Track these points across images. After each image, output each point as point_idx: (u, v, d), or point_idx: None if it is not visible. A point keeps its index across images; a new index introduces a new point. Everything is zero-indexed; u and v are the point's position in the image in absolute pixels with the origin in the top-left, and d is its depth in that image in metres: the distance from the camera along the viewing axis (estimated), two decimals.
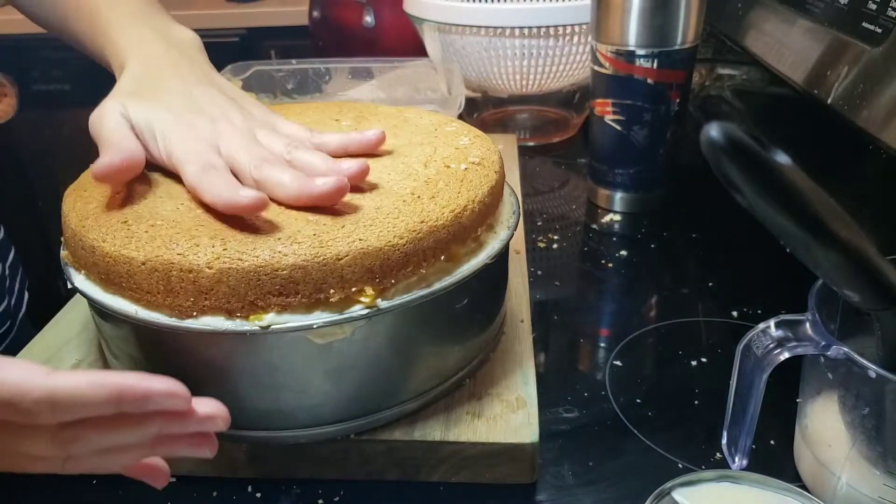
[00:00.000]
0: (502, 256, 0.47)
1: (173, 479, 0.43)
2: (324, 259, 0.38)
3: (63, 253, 0.44)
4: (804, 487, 0.34)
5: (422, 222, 0.40)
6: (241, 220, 0.40)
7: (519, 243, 0.64)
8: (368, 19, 1.12)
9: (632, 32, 0.68)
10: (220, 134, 0.44)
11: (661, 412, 0.49)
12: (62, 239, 0.45)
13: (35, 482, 0.44)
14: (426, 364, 0.44)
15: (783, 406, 0.49)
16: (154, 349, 0.42)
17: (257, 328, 0.38)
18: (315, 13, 1.18)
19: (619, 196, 0.77)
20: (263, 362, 0.40)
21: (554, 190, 0.85)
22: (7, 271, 0.73)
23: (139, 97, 0.46)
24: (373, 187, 0.43)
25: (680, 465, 0.44)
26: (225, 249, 0.38)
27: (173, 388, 0.30)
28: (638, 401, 0.50)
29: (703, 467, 0.44)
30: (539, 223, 0.75)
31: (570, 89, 0.94)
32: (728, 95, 1.00)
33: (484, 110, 1.00)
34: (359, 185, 0.43)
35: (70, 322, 0.54)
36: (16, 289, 0.75)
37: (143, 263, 0.38)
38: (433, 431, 0.43)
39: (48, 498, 0.43)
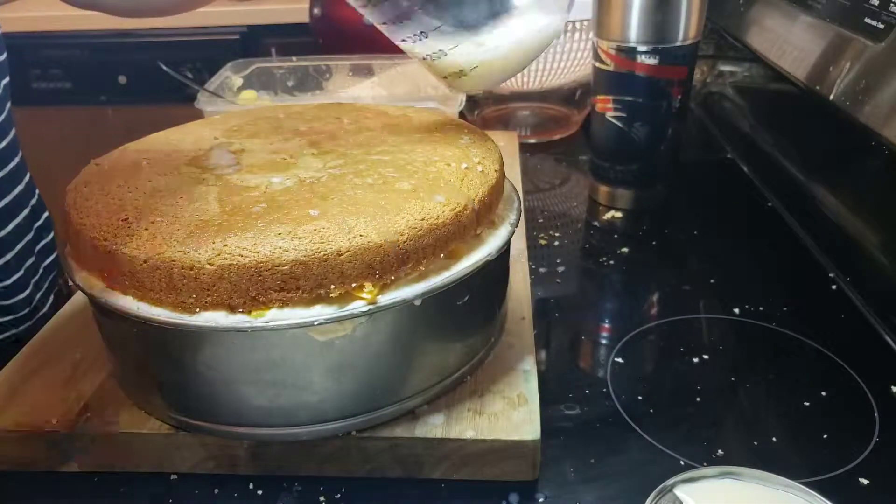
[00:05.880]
0: (503, 253, 0.47)
1: (174, 477, 0.44)
2: (324, 254, 0.38)
3: (66, 249, 0.44)
4: (806, 485, 0.34)
5: (422, 219, 0.40)
6: (241, 215, 0.40)
7: (520, 240, 0.64)
8: None
9: (633, 29, 0.68)
10: None
11: (663, 409, 0.49)
12: (68, 235, 0.45)
13: (37, 481, 0.44)
14: (427, 361, 0.44)
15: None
16: (156, 346, 0.42)
17: (259, 324, 0.38)
18: (316, 10, 1.18)
19: (620, 193, 0.77)
20: (265, 360, 0.40)
21: (555, 187, 0.85)
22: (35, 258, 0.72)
23: None
24: (373, 184, 0.43)
25: (682, 462, 0.44)
26: (225, 245, 0.38)
27: None
28: (639, 398, 0.50)
29: (705, 464, 0.44)
30: (540, 220, 0.75)
31: (571, 86, 0.94)
32: (730, 92, 1.00)
33: (485, 107, 1.00)
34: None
35: (71, 319, 0.54)
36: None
37: (145, 262, 0.38)
38: (435, 428, 0.43)
39: (50, 496, 0.43)
